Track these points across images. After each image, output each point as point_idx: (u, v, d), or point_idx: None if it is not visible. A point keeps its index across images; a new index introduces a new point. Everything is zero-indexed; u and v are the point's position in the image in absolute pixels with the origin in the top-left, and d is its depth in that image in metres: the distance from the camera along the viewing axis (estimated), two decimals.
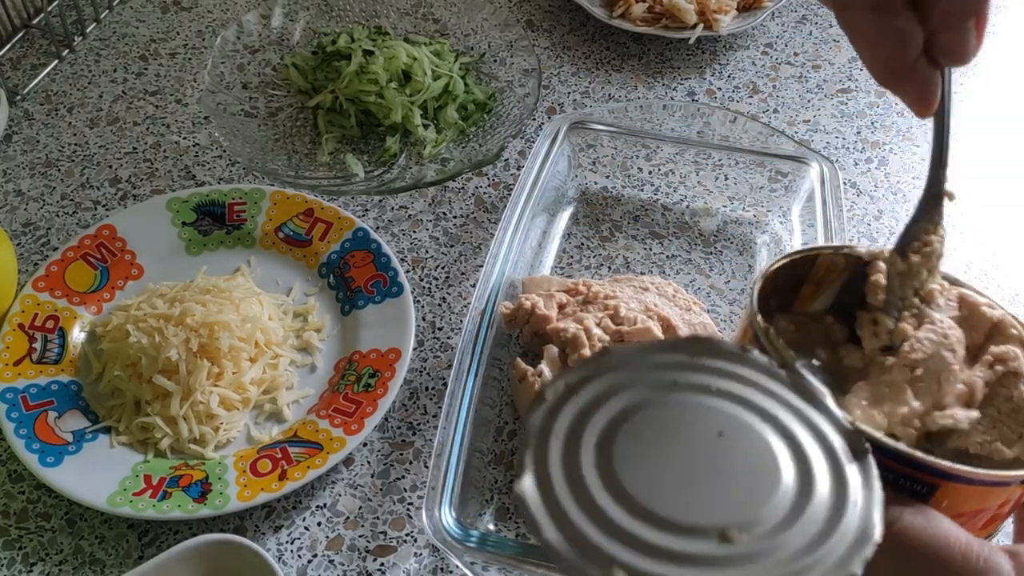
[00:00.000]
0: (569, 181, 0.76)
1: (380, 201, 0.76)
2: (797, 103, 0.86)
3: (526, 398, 0.60)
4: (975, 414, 0.37)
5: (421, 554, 0.57)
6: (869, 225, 0.76)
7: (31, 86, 0.84)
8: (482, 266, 0.66)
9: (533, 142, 0.74)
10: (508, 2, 0.95)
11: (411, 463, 0.61)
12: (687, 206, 0.76)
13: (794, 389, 0.33)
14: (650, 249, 0.73)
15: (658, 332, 0.61)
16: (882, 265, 0.39)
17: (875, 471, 0.31)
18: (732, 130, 0.74)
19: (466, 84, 0.82)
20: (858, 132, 0.84)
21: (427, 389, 0.65)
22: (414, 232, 0.74)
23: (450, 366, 0.65)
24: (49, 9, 0.87)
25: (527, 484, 0.29)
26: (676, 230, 0.74)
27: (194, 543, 0.50)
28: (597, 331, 0.61)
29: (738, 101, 0.86)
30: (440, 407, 0.62)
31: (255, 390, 0.62)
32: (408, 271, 0.71)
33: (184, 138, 0.81)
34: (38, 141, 0.80)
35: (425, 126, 0.79)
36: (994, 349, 0.39)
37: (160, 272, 0.69)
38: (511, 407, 0.63)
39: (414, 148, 0.79)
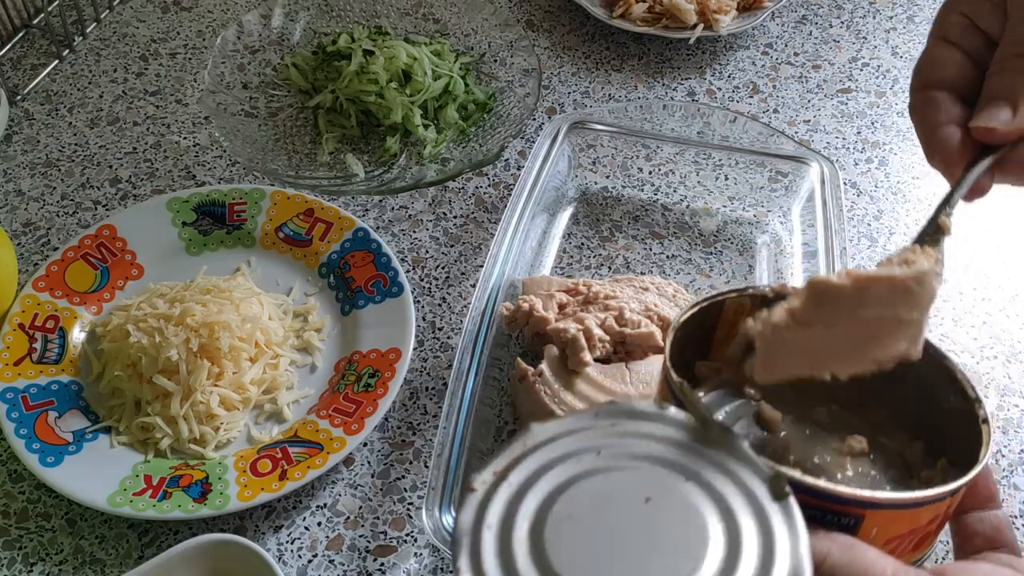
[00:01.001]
0: (569, 181, 0.76)
1: (380, 201, 0.76)
2: (797, 103, 0.86)
3: (526, 398, 0.60)
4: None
5: (421, 554, 0.57)
6: (869, 225, 0.76)
7: (31, 86, 0.84)
8: (482, 266, 0.66)
9: (533, 142, 0.74)
10: (508, 2, 0.95)
11: (411, 463, 0.61)
12: (687, 206, 0.76)
13: (712, 443, 0.34)
14: (650, 249, 0.73)
15: (659, 339, 0.61)
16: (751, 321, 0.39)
17: (798, 513, 0.32)
18: (732, 130, 0.74)
19: (466, 84, 0.82)
20: (858, 132, 0.84)
21: (427, 389, 0.65)
22: (414, 232, 0.74)
23: (450, 366, 0.65)
24: (49, 9, 0.87)
25: None
26: (676, 230, 0.74)
27: (194, 543, 0.50)
28: (598, 331, 0.61)
29: (738, 101, 0.86)
30: (440, 407, 0.62)
31: (255, 390, 0.62)
32: (408, 271, 0.71)
33: (184, 138, 0.81)
34: (38, 141, 0.80)
35: (425, 126, 0.79)
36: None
37: (160, 272, 0.69)
38: (511, 407, 0.63)
39: (414, 148, 0.79)
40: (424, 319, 0.69)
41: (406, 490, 0.60)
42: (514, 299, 0.65)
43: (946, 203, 0.41)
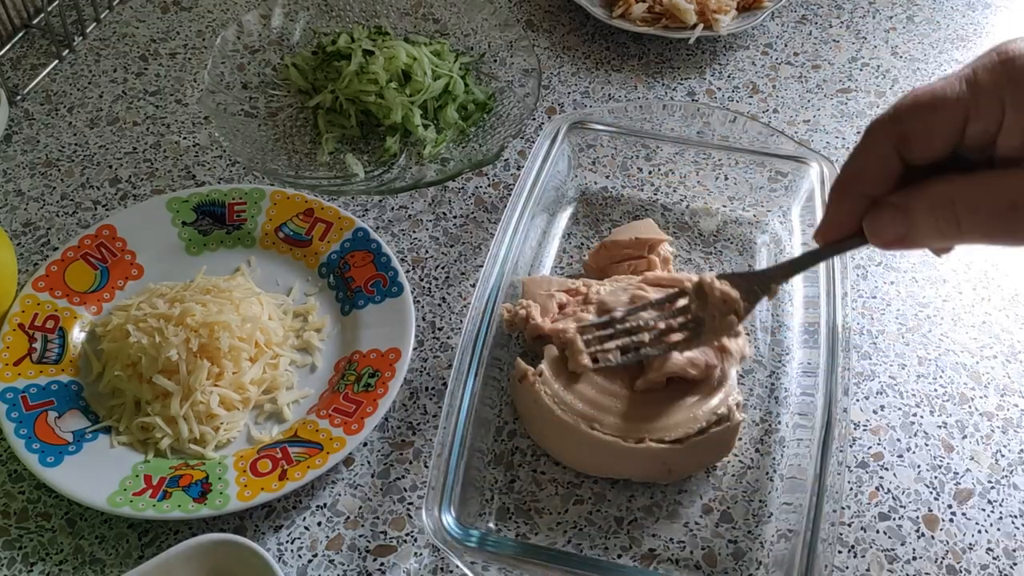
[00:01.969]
0: (569, 181, 0.76)
1: (380, 201, 0.76)
2: (797, 103, 0.87)
3: (526, 398, 0.60)
4: None
5: (421, 554, 0.57)
6: None
7: (31, 86, 0.84)
8: (482, 266, 0.66)
9: (533, 142, 0.74)
10: (508, 2, 0.95)
11: (411, 463, 0.61)
12: (687, 206, 0.76)
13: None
14: None
15: None
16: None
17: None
18: (732, 130, 0.74)
19: (466, 84, 0.82)
20: (858, 132, 0.84)
21: (427, 389, 0.65)
22: (414, 232, 0.74)
23: (450, 366, 0.65)
24: (49, 9, 0.87)
25: None
26: (676, 230, 0.74)
27: (194, 543, 0.50)
28: None
29: (738, 101, 0.86)
30: (440, 407, 0.63)
31: (255, 390, 0.62)
32: (408, 271, 0.71)
33: (184, 138, 0.81)
34: (38, 141, 0.80)
35: (425, 126, 0.79)
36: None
37: (160, 272, 0.69)
38: (511, 407, 0.63)
39: (414, 148, 0.79)
40: (424, 319, 0.69)
41: (406, 490, 0.60)
42: (514, 299, 0.65)
43: (794, 272, 0.52)
